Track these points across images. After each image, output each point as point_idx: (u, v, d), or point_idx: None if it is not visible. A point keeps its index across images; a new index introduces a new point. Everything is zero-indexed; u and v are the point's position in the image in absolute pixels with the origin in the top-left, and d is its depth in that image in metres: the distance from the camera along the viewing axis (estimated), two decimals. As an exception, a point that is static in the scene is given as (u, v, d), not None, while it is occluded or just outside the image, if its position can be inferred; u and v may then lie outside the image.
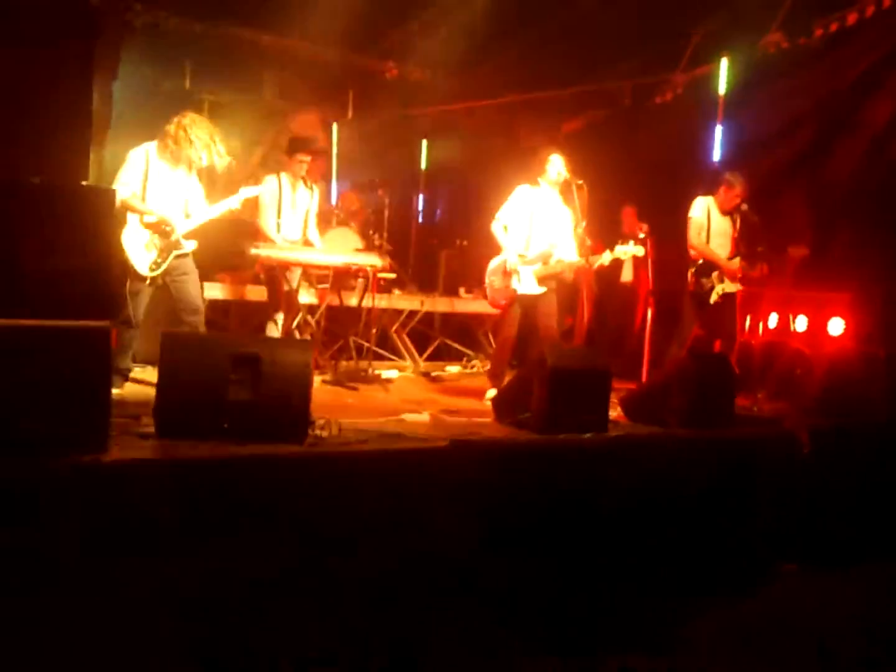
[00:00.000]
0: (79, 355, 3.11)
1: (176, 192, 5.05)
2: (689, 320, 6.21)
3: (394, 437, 3.98)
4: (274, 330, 5.99)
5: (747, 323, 6.56)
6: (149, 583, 2.86)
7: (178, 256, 4.99)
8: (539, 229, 5.61)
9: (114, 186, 4.76)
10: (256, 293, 6.56)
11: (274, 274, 6.00)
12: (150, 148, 4.96)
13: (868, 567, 4.13)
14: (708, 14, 7.66)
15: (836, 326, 5.97)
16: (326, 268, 6.22)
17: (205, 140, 4.93)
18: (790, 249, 6.48)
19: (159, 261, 4.93)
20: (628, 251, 5.46)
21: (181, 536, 2.97)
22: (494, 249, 5.72)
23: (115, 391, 3.96)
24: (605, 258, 5.45)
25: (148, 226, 4.93)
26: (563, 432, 4.11)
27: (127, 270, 4.86)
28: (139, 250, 4.89)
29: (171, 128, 4.93)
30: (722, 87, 7.62)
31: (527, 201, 5.63)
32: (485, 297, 5.86)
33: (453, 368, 7.51)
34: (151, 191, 4.94)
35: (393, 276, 7.11)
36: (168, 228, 4.94)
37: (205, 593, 2.97)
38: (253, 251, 5.65)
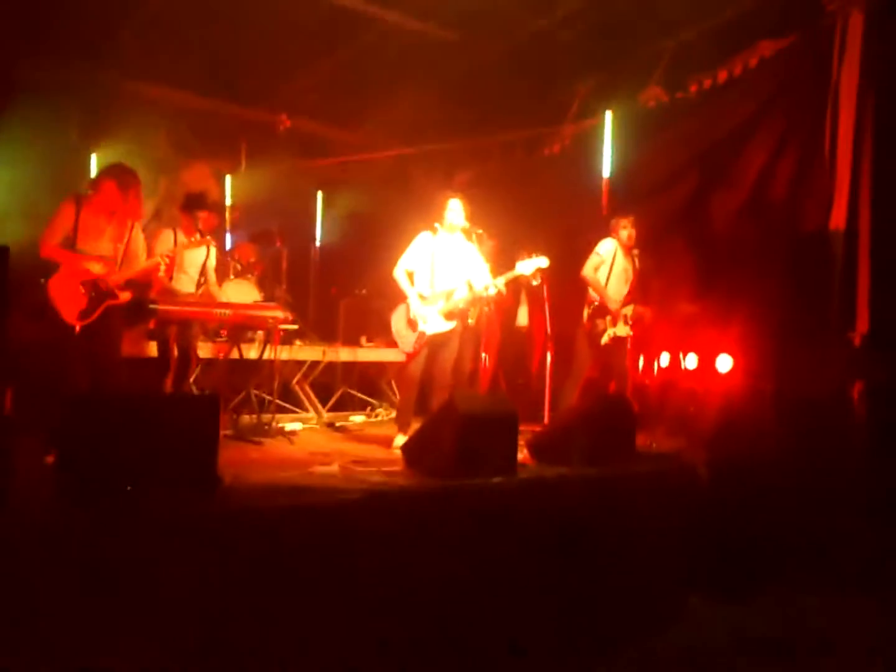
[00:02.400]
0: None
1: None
2: (581, 360, 6.42)
3: (304, 490, 3.93)
4: (166, 386, 5.86)
5: (640, 362, 6.82)
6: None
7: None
8: (441, 272, 5.66)
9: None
10: (146, 348, 6.38)
11: (165, 329, 5.88)
12: (77, 199, 4.83)
13: (769, 595, 4.32)
14: (592, 69, 8.06)
15: (724, 363, 6.26)
16: (226, 321, 6.13)
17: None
18: (680, 305, 6.78)
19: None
20: (530, 265, 5.48)
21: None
22: (394, 297, 5.77)
23: None
24: (503, 279, 5.50)
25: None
26: (473, 477, 4.15)
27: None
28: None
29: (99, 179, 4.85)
30: (607, 139, 7.97)
31: (427, 247, 5.69)
32: (387, 345, 5.89)
33: (357, 418, 7.50)
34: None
35: (294, 327, 7.07)
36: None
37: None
38: (152, 306, 5.53)
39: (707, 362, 6.39)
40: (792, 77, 6.48)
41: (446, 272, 5.66)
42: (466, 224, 5.63)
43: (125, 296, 4.90)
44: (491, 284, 5.51)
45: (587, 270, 6.35)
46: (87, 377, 4.73)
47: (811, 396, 5.27)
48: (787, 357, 5.64)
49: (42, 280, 4.72)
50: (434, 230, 5.73)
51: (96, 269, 4.77)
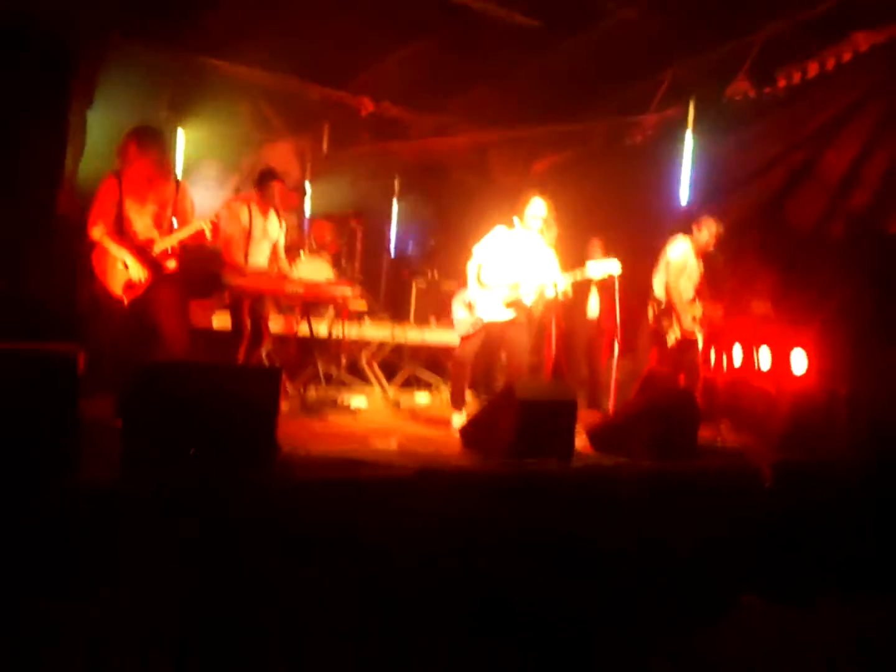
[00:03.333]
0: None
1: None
2: (644, 355, 6.33)
3: (361, 464, 3.99)
4: (238, 358, 5.98)
5: (712, 358, 6.68)
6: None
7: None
8: (512, 267, 5.62)
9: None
10: (222, 321, 6.54)
11: (238, 303, 6.01)
12: (117, 174, 4.92)
13: (828, 601, 4.19)
14: (678, 59, 7.88)
15: (798, 361, 6.08)
16: (297, 296, 6.24)
17: None
18: (754, 303, 6.61)
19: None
20: (600, 269, 5.39)
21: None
22: (464, 282, 5.79)
23: None
24: (570, 276, 5.43)
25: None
26: (530, 460, 4.15)
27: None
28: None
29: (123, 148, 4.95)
30: (690, 131, 7.80)
31: (501, 242, 5.66)
32: (453, 327, 5.92)
33: (423, 398, 7.54)
34: None
35: (364, 305, 7.15)
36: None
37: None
38: (224, 279, 5.66)
39: (781, 360, 6.22)
40: (887, 73, 6.23)
41: (517, 267, 5.62)
42: (547, 217, 5.56)
43: (171, 264, 4.93)
44: (559, 283, 5.43)
45: (671, 280, 6.20)
46: (144, 347, 4.84)
47: (886, 400, 5.09)
48: (863, 359, 5.46)
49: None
50: (510, 224, 5.69)
51: (136, 273, 4.80)
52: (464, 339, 5.65)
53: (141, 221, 4.92)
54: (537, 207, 5.57)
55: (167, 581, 3.01)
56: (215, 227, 5.14)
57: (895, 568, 4.14)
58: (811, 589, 4.23)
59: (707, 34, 7.30)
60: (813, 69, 6.84)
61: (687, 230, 6.33)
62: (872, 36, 6.41)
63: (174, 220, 5.04)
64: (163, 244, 4.91)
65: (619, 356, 5.95)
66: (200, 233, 4.99)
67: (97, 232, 4.79)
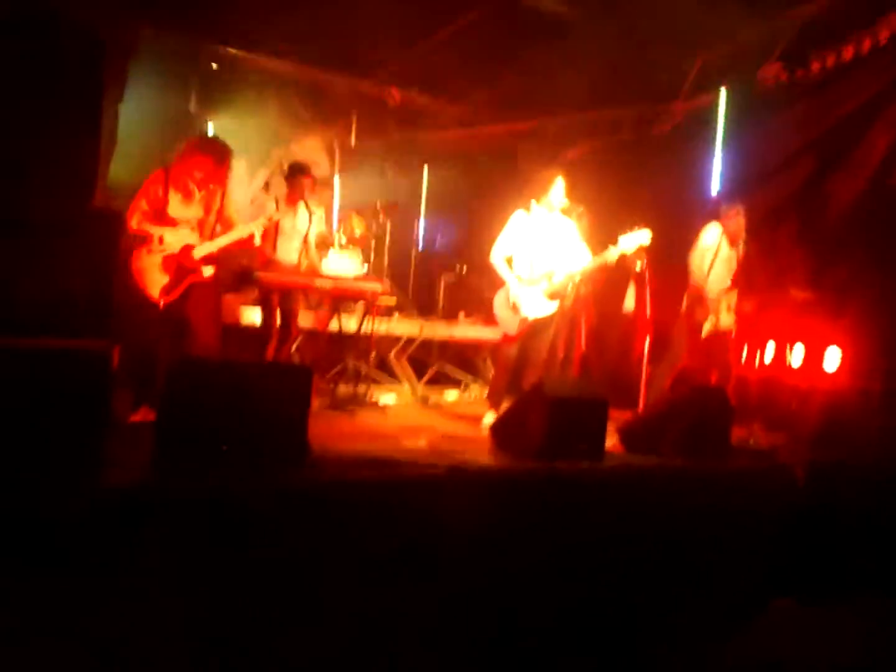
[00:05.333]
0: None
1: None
2: (678, 349, 6.25)
3: (391, 463, 3.99)
4: (268, 354, 6.01)
5: (744, 353, 6.60)
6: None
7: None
8: (539, 252, 5.58)
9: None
10: (251, 317, 6.57)
11: (268, 297, 6.02)
12: (165, 170, 4.94)
13: (862, 603, 4.13)
14: (708, 45, 7.75)
15: (832, 357, 5.99)
16: (327, 292, 6.25)
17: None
18: (792, 291, 6.51)
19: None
20: (633, 241, 5.30)
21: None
22: (494, 275, 5.74)
23: None
24: (611, 254, 5.34)
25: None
26: (560, 460, 4.13)
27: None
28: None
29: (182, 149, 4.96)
30: (721, 118, 7.68)
31: (524, 227, 5.61)
32: (485, 323, 5.89)
33: (451, 394, 7.54)
34: None
35: (393, 300, 7.14)
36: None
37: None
38: (255, 275, 5.68)
39: (814, 357, 6.13)
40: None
41: (545, 251, 5.57)
42: (566, 202, 5.54)
43: (209, 271, 4.93)
44: (604, 255, 5.35)
45: (694, 263, 6.15)
46: (177, 347, 4.86)
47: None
48: (898, 354, 5.37)
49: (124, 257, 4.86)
50: (528, 208, 5.64)
51: (184, 237, 4.83)
52: (509, 339, 5.61)
53: (184, 219, 4.92)
54: (560, 188, 5.53)
55: (197, 585, 3.03)
56: (265, 232, 5.16)
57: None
58: (845, 591, 4.18)
59: (736, 18, 7.16)
60: (848, 52, 6.69)
61: (720, 217, 6.24)
62: (908, 15, 6.27)
63: (217, 227, 5.05)
64: (204, 248, 4.92)
65: (649, 351, 5.89)
66: (249, 238, 5.06)
67: (135, 220, 4.81)
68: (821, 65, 6.92)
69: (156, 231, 4.83)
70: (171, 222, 4.88)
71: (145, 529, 3.01)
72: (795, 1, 6.89)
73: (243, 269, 5.96)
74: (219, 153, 4.95)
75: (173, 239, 4.86)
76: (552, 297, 5.50)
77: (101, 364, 3.30)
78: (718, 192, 7.61)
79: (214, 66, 8.32)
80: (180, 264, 4.87)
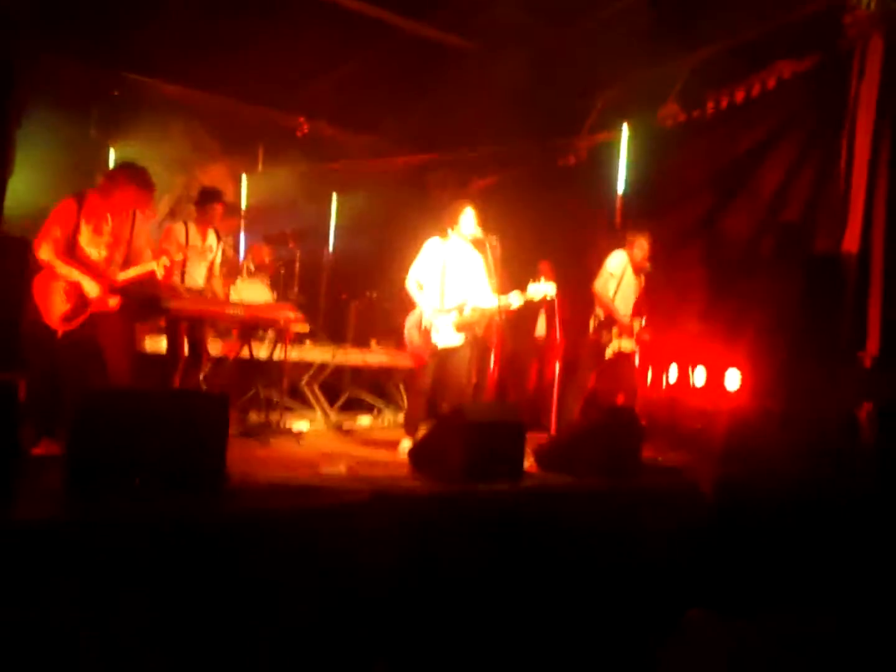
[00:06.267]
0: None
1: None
2: (585, 371, 6.44)
3: (312, 490, 3.96)
4: (175, 382, 5.88)
5: (649, 376, 6.84)
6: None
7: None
8: (452, 281, 5.64)
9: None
10: (156, 344, 6.41)
11: (176, 326, 5.90)
12: (79, 199, 4.78)
13: (771, 615, 4.30)
14: (610, 83, 8.10)
15: (733, 378, 6.26)
16: (238, 319, 6.16)
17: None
18: (690, 322, 6.81)
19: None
20: (539, 290, 5.45)
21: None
22: (406, 301, 5.78)
23: None
24: (516, 299, 5.46)
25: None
26: (479, 483, 4.18)
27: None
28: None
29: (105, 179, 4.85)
30: (624, 152, 8.00)
31: (438, 254, 5.67)
32: (397, 349, 5.91)
33: (365, 420, 7.51)
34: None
35: (305, 328, 7.10)
36: None
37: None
38: (164, 304, 5.55)
39: (716, 378, 6.40)
40: (810, 98, 6.51)
41: (457, 281, 5.66)
42: (479, 232, 5.64)
43: (113, 303, 4.81)
44: (507, 299, 5.49)
45: (597, 285, 6.37)
46: (84, 377, 4.72)
47: (820, 416, 5.28)
48: (796, 376, 5.65)
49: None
50: (445, 235, 5.72)
51: (91, 289, 4.71)
52: (419, 368, 5.64)
53: (95, 251, 4.80)
54: (469, 216, 5.63)
55: (110, 618, 2.94)
56: (167, 269, 5.07)
57: (836, 578, 4.29)
58: (752, 604, 4.35)
59: (638, 59, 7.51)
60: (740, 95, 7.11)
61: (628, 244, 6.48)
62: (795, 65, 6.70)
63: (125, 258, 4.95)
64: (123, 276, 4.84)
65: (560, 375, 6.03)
66: (151, 273, 4.99)
67: (45, 252, 4.63)
68: (715, 105, 7.31)
69: (69, 274, 4.67)
70: (81, 254, 4.73)
71: (58, 563, 2.91)
72: (689, 46, 7.28)
73: (151, 298, 5.81)
74: (145, 183, 4.85)
75: (89, 287, 4.71)
76: (460, 328, 5.57)
77: (7, 396, 3.19)
78: (622, 223, 7.89)
79: (116, 92, 8.17)
80: (82, 296, 4.74)
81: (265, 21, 6.92)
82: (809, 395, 5.42)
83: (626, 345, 6.34)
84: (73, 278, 4.67)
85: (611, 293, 6.36)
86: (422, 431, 5.27)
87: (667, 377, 6.81)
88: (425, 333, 5.53)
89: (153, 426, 3.51)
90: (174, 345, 5.97)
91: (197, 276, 6.19)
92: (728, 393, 6.20)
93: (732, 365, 6.31)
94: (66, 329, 4.72)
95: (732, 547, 4.45)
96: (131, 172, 4.86)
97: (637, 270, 6.43)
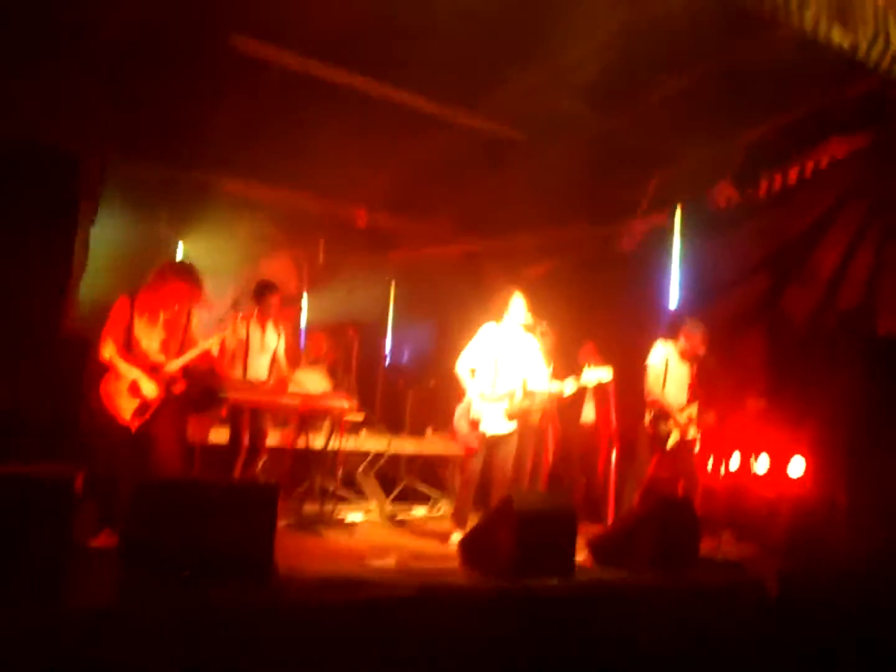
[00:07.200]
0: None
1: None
2: (644, 461, 6.30)
3: (358, 584, 3.92)
4: (234, 472, 5.95)
5: (710, 463, 6.66)
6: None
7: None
8: (505, 368, 5.65)
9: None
10: (219, 435, 6.51)
11: (237, 416, 6.00)
12: (131, 295, 4.94)
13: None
14: (662, 165, 8.13)
15: (797, 467, 6.06)
16: (294, 409, 6.24)
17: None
18: (749, 401, 6.65)
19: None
20: (594, 376, 5.45)
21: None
22: (461, 390, 5.78)
23: None
24: (570, 385, 5.46)
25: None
26: (530, 577, 4.08)
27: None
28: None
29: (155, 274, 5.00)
30: (677, 235, 7.98)
31: (491, 340, 5.70)
32: (453, 437, 5.89)
33: (419, 511, 7.46)
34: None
35: (361, 417, 7.14)
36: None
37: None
38: (222, 394, 5.67)
39: (779, 466, 6.21)
40: (865, 175, 6.44)
41: (509, 369, 5.65)
42: (529, 319, 5.66)
43: (179, 387, 4.93)
44: (560, 386, 5.47)
45: (649, 384, 6.27)
46: (141, 468, 4.80)
47: (887, 507, 5.05)
48: (862, 465, 5.44)
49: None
50: (499, 320, 5.75)
51: (148, 390, 4.80)
52: (469, 455, 5.62)
53: (150, 343, 4.93)
54: (519, 303, 5.66)
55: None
56: (221, 346, 5.18)
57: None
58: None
59: (688, 140, 7.55)
60: (793, 174, 7.06)
61: (677, 333, 6.40)
62: (848, 141, 6.65)
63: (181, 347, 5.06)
64: (171, 367, 4.92)
65: (616, 463, 5.92)
66: (207, 352, 5.10)
67: (108, 351, 4.79)
68: (768, 185, 7.28)
69: (129, 373, 4.81)
70: (136, 347, 4.88)
71: (110, 651, 2.94)
72: (742, 125, 7.30)
73: (210, 388, 5.95)
74: (193, 278, 5.02)
75: (147, 387, 4.83)
76: (511, 417, 5.55)
77: (65, 489, 3.28)
78: (677, 306, 7.82)
79: (184, 190, 8.52)
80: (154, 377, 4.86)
81: (325, 117, 7.18)
82: (876, 485, 5.21)
83: (689, 433, 6.20)
84: (131, 377, 4.80)
85: (659, 387, 6.24)
86: (471, 523, 5.21)
87: (728, 465, 6.62)
88: (474, 423, 5.53)
89: (203, 517, 3.56)
90: (235, 435, 6.06)
91: (259, 367, 6.30)
92: (792, 481, 5.99)
93: (797, 452, 6.11)
94: (139, 422, 4.81)
95: (798, 646, 4.24)
96: (178, 267, 5.04)
97: (688, 357, 6.30)
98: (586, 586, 4.25)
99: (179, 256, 8.67)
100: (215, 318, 7.41)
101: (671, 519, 4.76)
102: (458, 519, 5.57)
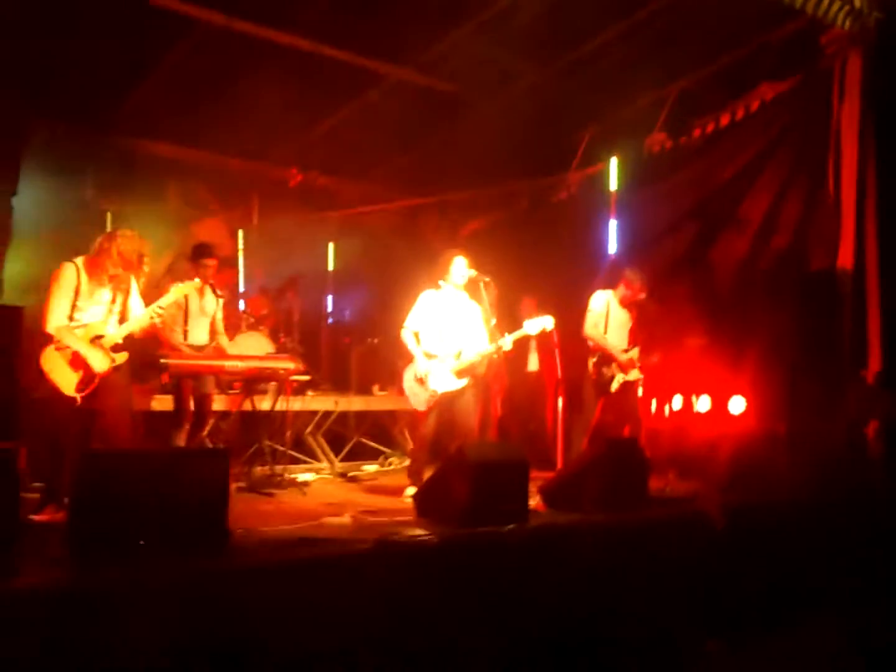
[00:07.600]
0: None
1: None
2: (590, 407, 6.40)
3: (316, 542, 3.92)
4: (180, 440, 5.87)
5: (653, 406, 6.80)
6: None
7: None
8: (447, 330, 5.72)
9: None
10: (162, 403, 6.40)
11: (181, 383, 5.90)
12: (78, 263, 4.79)
13: (783, 636, 4.25)
14: (596, 116, 8.17)
15: (737, 405, 6.23)
16: (238, 373, 6.17)
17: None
18: (688, 340, 6.78)
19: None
20: (537, 324, 5.53)
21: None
22: (405, 349, 5.80)
23: None
24: (508, 341, 5.52)
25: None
26: (485, 525, 4.13)
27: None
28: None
29: (101, 243, 4.86)
30: (613, 185, 8.04)
31: (432, 305, 5.76)
32: (399, 394, 5.91)
33: (370, 467, 7.49)
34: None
35: (306, 377, 7.10)
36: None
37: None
38: (163, 361, 5.57)
39: (720, 405, 6.36)
40: (793, 119, 6.55)
41: (453, 328, 5.72)
42: (474, 273, 5.67)
43: (121, 357, 4.79)
44: (499, 343, 5.53)
45: (587, 328, 6.35)
46: (86, 440, 4.70)
47: (826, 436, 5.23)
48: (800, 397, 5.62)
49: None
50: (437, 286, 5.79)
51: (97, 364, 4.67)
52: (422, 414, 5.66)
53: (93, 313, 4.79)
54: (460, 265, 5.68)
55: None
56: (172, 317, 5.06)
57: (844, 601, 4.23)
58: (765, 625, 4.29)
59: (621, 91, 7.59)
60: (725, 119, 7.17)
61: (616, 280, 6.48)
62: (776, 86, 6.76)
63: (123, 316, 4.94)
64: (113, 338, 4.79)
65: (563, 409, 6.00)
66: (153, 329, 5.04)
67: (53, 322, 4.63)
68: (701, 131, 7.38)
69: (74, 344, 4.65)
70: (80, 318, 4.72)
71: (63, 628, 2.89)
72: (676, 74, 7.35)
73: (151, 356, 5.83)
74: (137, 245, 4.87)
75: (92, 357, 4.68)
76: (460, 374, 5.61)
77: (7, 465, 3.20)
78: (615, 254, 7.90)
79: (111, 156, 8.26)
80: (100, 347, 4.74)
81: (253, 76, 7.00)
82: (814, 416, 5.38)
83: (631, 376, 6.31)
84: (75, 348, 4.66)
85: (601, 332, 6.33)
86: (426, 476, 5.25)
87: (671, 406, 6.77)
88: (422, 383, 5.58)
89: (152, 486, 3.50)
90: (179, 403, 5.96)
91: (199, 332, 6.20)
92: (733, 418, 6.16)
93: (736, 390, 6.27)
94: (84, 395, 4.67)
95: (744, 575, 4.39)
96: (123, 235, 4.88)
97: (626, 304, 6.40)
98: (541, 530, 4.32)
99: (108, 223, 8.43)
100: (152, 285, 7.28)
101: (619, 460, 4.87)
102: (414, 478, 5.61)
